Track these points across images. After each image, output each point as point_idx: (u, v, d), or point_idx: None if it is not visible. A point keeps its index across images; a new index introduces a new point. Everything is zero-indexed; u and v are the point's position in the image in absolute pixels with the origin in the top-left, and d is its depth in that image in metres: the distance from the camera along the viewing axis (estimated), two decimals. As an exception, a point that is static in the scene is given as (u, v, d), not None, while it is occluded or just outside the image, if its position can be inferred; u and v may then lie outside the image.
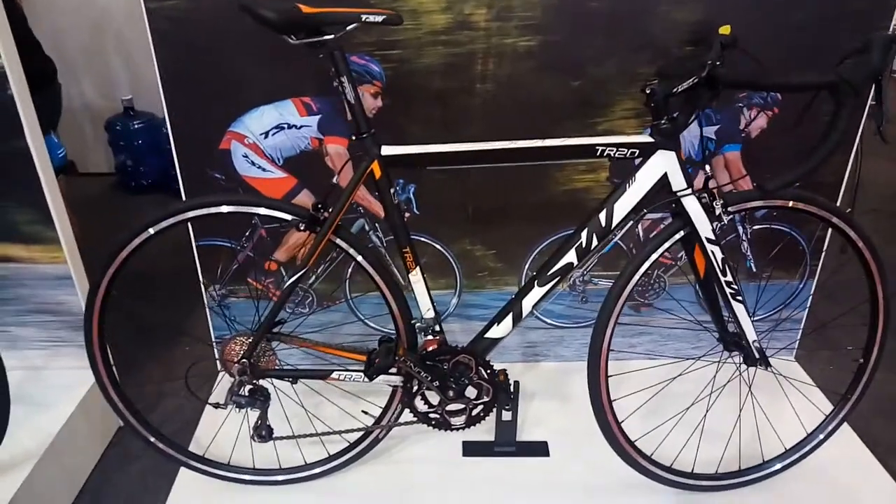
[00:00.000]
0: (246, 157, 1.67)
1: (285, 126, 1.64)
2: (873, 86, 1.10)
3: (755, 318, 1.87)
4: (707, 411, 1.56)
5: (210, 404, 1.44)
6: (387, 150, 1.30)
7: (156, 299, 2.09)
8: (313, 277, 1.85)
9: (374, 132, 1.29)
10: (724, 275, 1.35)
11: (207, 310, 1.88)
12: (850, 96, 1.07)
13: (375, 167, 1.30)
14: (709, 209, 1.31)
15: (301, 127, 1.64)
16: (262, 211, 1.34)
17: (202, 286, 1.83)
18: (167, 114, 1.61)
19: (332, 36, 1.21)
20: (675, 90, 1.23)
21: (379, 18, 1.21)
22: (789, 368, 1.92)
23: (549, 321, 1.95)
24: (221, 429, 1.63)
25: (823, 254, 1.86)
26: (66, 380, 1.84)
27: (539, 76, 1.60)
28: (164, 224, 1.35)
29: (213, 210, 1.34)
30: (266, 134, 1.65)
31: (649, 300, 1.92)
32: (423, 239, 1.80)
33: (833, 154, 1.11)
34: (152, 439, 1.53)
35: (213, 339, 1.89)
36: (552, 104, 1.63)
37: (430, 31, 1.54)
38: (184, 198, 1.69)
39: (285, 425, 1.55)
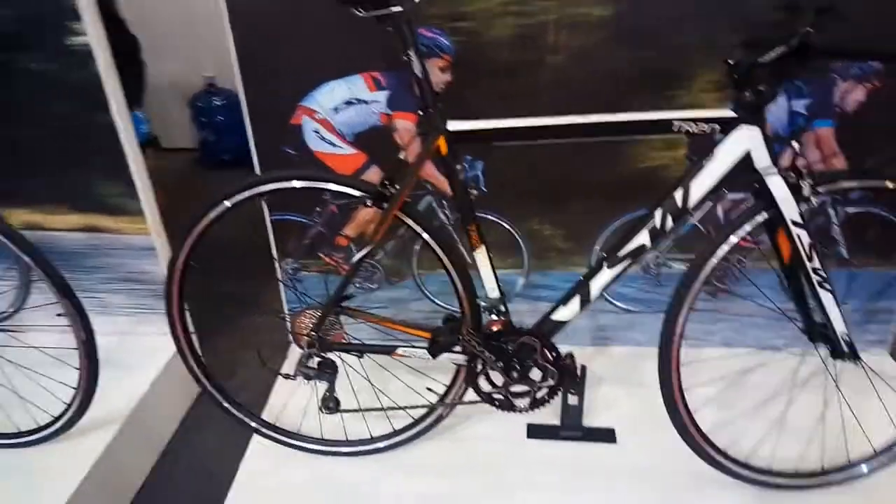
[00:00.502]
0: (317, 132, 1.69)
1: (355, 101, 1.64)
2: None
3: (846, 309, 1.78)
4: (788, 405, 1.47)
5: (280, 374, 1.48)
6: (453, 126, 1.27)
7: (234, 272, 2.16)
8: (381, 253, 1.86)
9: (441, 107, 1.27)
10: (811, 261, 1.26)
11: (280, 284, 1.92)
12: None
13: (441, 143, 1.28)
14: (796, 189, 1.22)
15: (370, 102, 1.64)
16: (331, 186, 1.35)
17: (275, 260, 1.88)
18: (242, 89, 1.64)
19: (400, 8, 1.19)
20: (761, 60, 1.14)
21: (448, -11, 1.18)
22: (882, 363, 1.79)
23: (620, 305, 1.89)
24: (292, 399, 1.68)
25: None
26: (150, 345, 1.93)
27: (613, 47, 1.53)
28: (238, 197, 1.38)
29: (283, 185, 1.36)
30: (336, 109, 1.66)
31: (728, 285, 1.82)
32: (490, 217, 1.78)
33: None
34: (227, 405, 1.59)
35: (286, 312, 1.94)
36: (627, 76, 1.56)
37: (500, 1, 1.50)
38: (258, 173, 1.73)
39: (353, 398, 1.58)
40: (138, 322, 2.01)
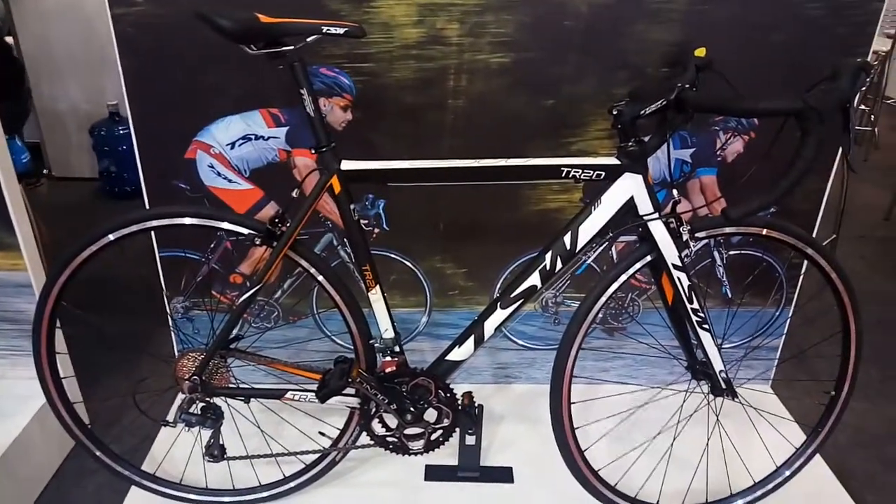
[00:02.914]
0: (212, 167, 1.63)
1: (252, 137, 1.61)
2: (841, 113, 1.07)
3: (730, 345, 1.87)
4: (674, 441, 1.51)
5: (160, 422, 1.39)
6: (347, 165, 1.26)
7: (125, 310, 2.04)
8: (279, 292, 1.81)
9: (334, 146, 1.26)
10: (691, 302, 1.32)
11: (171, 322, 1.83)
12: (816, 124, 1.04)
13: (335, 182, 1.27)
14: (676, 234, 1.28)
15: (269, 138, 1.61)
16: (217, 224, 1.30)
17: (165, 298, 1.79)
18: (131, 120, 1.57)
19: (291, 47, 1.18)
20: (642, 112, 1.20)
21: (341, 31, 1.18)
22: (765, 397, 1.88)
23: (520, 342, 1.91)
24: (177, 447, 1.59)
25: (800, 281, 1.82)
26: (23, 390, 1.77)
27: (512, 93, 1.57)
28: (122, 231, 1.31)
29: (168, 221, 1.31)
30: (232, 144, 1.61)
31: (623, 324, 1.88)
32: (392, 255, 1.77)
33: (799, 183, 1.08)
34: (99, 454, 1.48)
35: (176, 353, 1.85)
36: (525, 122, 1.61)
37: (401, 44, 1.52)
38: (147, 206, 1.65)
39: (241, 445, 1.50)
40: (11, 365, 1.86)
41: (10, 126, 1.63)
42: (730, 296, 1.83)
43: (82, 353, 1.81)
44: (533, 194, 1.70)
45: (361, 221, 1.70)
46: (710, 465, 1.56)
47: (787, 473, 1.53)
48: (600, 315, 1.84)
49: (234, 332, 1.39)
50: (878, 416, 2.00)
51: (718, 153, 1.67)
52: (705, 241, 1.73)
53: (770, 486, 1.53)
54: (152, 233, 1.66)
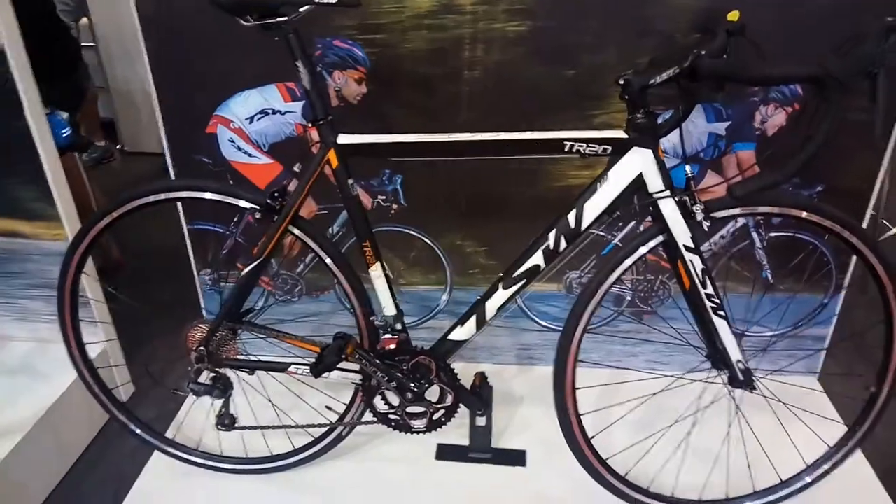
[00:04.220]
0: (232, 141, 1.66)
1: (270, 111, 1.62)
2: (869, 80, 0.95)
3: (775, 333, 1.74)
4: (691, 431, 1.43)
5: (171, 391, 1.44)
6: (344, 139, 1.24)
7: (168, 279, 2.13)
8: (301, 265, 1.83)
9: (331, 119, 1.24)
10: (705, 287, 1.22)
11: (200, 294, 1.89)
12: (835, 92, 0.93)
13: (332, 156, 1.25)
14: (688, 214, 1.19)
15: (286, 113, 1.61)
16: (215, 197, 1.31)
17: (194, 270, 1.84)
18: (156, 97, 1.61)
19: (285, 18, 1.17)
20: (651, 81, 1.11)
21: (333, 0, 1.16)
22: (809, 391, 1.75)
23: (544, 323, 1.85)
24: (197, 415, 1.65)
25: (851, 268, 1.67)
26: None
27: (530, 64, 1.50)
28: (117, 212, 1.35)
29: (164, 196, 1.34)
30: (251, 119, 1.63)
31: (653, 307, 1.79)
32: (411, 232, 1.75)
33: (815, 157, 0.97)
34: (122, 419, 1.55)
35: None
36: (545, 94, 1.53)
37: (413, 14, 1.47)
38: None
39: (256, 415, 1.54)
40: (58, 329, 1.97)
41: (65, 105, 1.71)
42: (770, 280, 1.70)
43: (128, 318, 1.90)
44: (554, 170, 1.63)
45: (379, 197, 1.71)
46: (736, 459, 1.47)
47: (814, 476, 1.42)
48: (629, 298, 1.79)
49: (247, 304, 1.41)
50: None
51: (757, 126, 1.54)
52: (733, 220, 1.62)
53: (796, 486, 1.42)
54: (179, 205, 1.74)
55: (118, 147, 4.13)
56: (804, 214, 1.23)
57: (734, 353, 1.27)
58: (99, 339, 1.86)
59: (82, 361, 1.51)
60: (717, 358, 1.33)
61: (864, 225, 1.61)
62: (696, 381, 1.39)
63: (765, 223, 1.64)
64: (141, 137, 4.11)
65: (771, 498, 1.43)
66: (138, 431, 1.58)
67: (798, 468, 1.45)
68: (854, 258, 1.65)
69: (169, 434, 1.65)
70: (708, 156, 1.57)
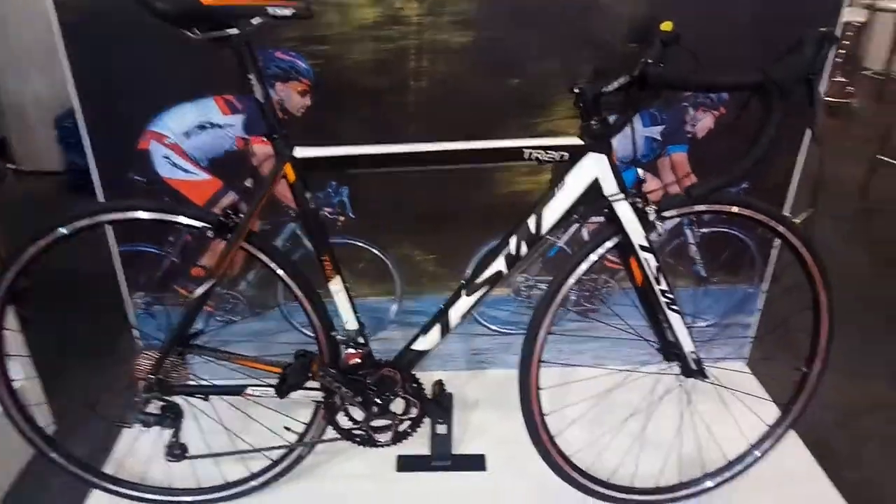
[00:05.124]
0: (167, 158, 1.58)
1: (208, 125, 1.55)
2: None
3: (706, 325, 1.85)
4: (647, 423, 1.49)
5: (115, 423, 1.35)
6: (300, 152, 1.21)
7: (92, 307, 1.98)
8: (243, 283, 1.76)
9: (286, 133, 1.21)
10: (659, 283, 1.29)
11: (131, 319, 1.78)
12: (777, 98, 1.00)
13: (288, 170, 1.22)
14: (642, 215, 1.25)
15: (224, 126, 1.56)
16: (160, 217, 1.25)
17: (124, 294, 1.74)
18: (80, 111, 1.52)
19: (236, 30, 1.13)
20: (604, 90, 1.16)
21: (287, 11, 1.13)
22: (741, 376, 1.87)
23: (494, 328, 1.88)
24: (140, 447, 1.55)
25: (772, 258, 1.80)
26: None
27: (476, 74, 1.53)
28: (48, 238, 1.26)
29: (116, 216, 1.26)
30: (188, 133, 1.56)
31: (597, 305, 1.85)
32: (359, 244, 1.72)
33: (763, 159, 1.05)
34: (53, 456, 1.43)
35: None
36: (491, 103, 1.56)
37: (358, 25, 1.46)
38: (102, 200, 1.60)
39: (207, 441, 1.46)
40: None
41: None
42: (703, 274, 1.81)
43: (47, 355, 1.76)
44: (502, 177, 1.66)
45: (326, 209, 1.68)
46: (687, 446, 1.55)
47: (758, 453, 1.52)
48: (574, 297, 1.85)
49: (195, 327, 1.35)
50: (859, 392, 2.00)
51: (688, 130, 1.63)
52: (676, 219, 1.71)
53: (742, 465, 1.51)
54: (108, 227, 1.63)
55: (11, 167, 3.81)
56: (742, 210, 1.32)
57: (687, 345, 1.35)
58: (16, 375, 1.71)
59: (9, 397, 1.38)
60: (669, 350, 1.40)
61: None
62: (650, 373, 1.45)
63: (697, 220, 1.74)
64: (38, 155, 3.82)
65: (720, 479, 1.51)
66: (72, 468, 1.46)
67: (742, 448, 1.54)
68: (775, 252, 1.79)
69: (108, 470, 1.54)
70: (645, 159, 1.65)
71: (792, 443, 1.63)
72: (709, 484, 1.50)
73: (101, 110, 1.51)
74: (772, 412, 1.68)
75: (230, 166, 1.60)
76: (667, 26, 1.22)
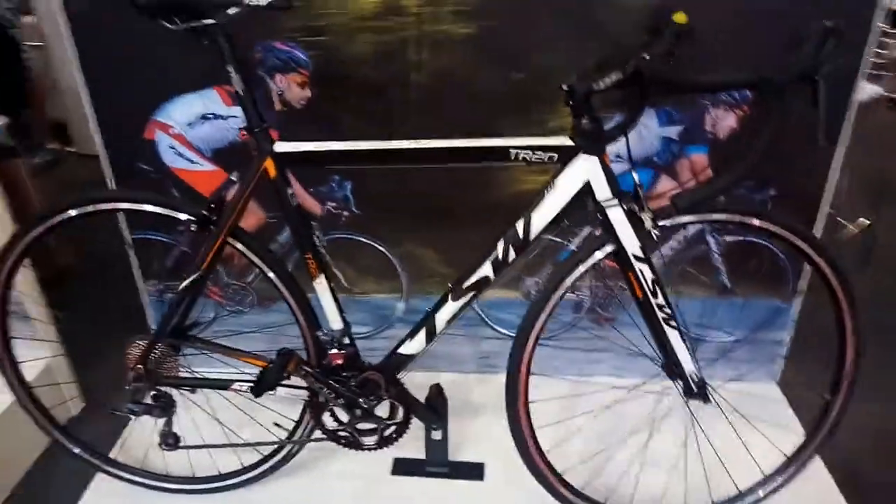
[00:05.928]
0: (172, 147, 1.59)
1: (211, 116, 1.55)
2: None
3: (732, 339, 1.73)
4: (647, 443, 1.40)
5: (108, 411, 1.37)
6: (281, 147, 1.19)
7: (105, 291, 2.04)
8: (252, 275, 1.77)
9: (266, 127, 1.19)
10: (655, 297, 1.19)
11: (146, 306, 1.82)
12: (775, 97, 0.90)
13: (269, 165, 1.19)
14: (636, 222, 1.15)
15: (227, 117, 1.55)
16: (149, 209, 1.25)
17: (137, 281, 1.77)
18: (89, 101, 1.54)
19: (213, 21, 1.11)
20: (595, 88, 1.08)
21: (263, 1, 1.10)
22: (769, 397, 1.73)
23: (501, 331, 1.81)
24: (143, 435, 1.58)
25: (807, 269, 1.66)
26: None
27: (479, 67, 1.46)
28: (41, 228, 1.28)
29: (99, 207, 1.27)
30: (192, 124, 1.56)
31: (611, 314, 1.76)
32: (364, 240, 1.69)
33: (755, 165, 0.94)
34: (59, 438, 1.48)
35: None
36: (495, 98, 1.49)
37: (357, 15, 1.42)
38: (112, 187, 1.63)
39: (201, 433, 1.48)
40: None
41: (12, 103, 1.62)
42: (728, 285, 1.68)
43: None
44: (507, 175, 1.59)
45: (329, 204, 1.65)
46: (694, 470, 1.44)
47: (778, 482, 1.40)
48: (587, 304, 1.76)
49: (191, 318, 1.35)
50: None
51: (708, 130, 1.51)
52: (694, 227, 1.60)
53: (755, 496, 1.39)
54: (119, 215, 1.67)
55: (71, 150, 3.99)
56: (755, 222, 1.21)
57: (688, 365, 1.24)
58: (43, 355, 1.78)
59: (16, 379, 1.43)
60: (672, 368, 1.30)
61: (823, 224, 1.59)
62: (649, 392, 1.36)
63: (721, 228, 1.62)
64: (94, 139, 3.99)
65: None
66: (77, 451, 1.51)
67: (755, 478, 1.42)
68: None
69: (113, 454, 1.58)
70: (662, 160, 1.54)
71: (816, 470, 1.49)
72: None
73: (109, 100, 1.54)
74: (797, 438, 1.55)
75: (235, 157, 1.59)
76: (680, 17, 1.11)
